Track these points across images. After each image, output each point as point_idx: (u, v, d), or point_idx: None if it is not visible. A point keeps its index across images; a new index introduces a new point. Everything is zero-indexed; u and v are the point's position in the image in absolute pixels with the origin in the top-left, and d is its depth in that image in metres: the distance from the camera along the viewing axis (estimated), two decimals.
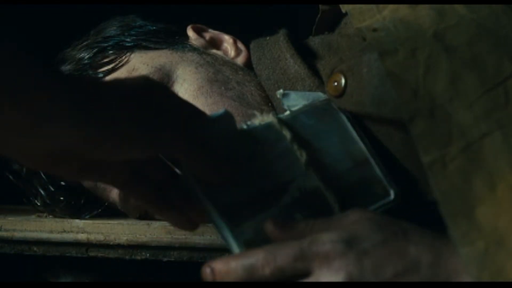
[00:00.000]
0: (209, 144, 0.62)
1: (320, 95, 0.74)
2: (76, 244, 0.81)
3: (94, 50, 0.90)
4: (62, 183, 0.88)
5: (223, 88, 0.86)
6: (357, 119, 0.76)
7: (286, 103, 0.72)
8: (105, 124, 0.55)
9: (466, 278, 0.63)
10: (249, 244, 0.63)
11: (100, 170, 0.62)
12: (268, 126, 0.69)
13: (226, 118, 0.66)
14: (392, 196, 0.70)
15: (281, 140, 0.68)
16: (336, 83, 0.77)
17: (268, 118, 0.69)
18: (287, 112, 0.71)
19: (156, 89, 0.60)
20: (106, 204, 0.88)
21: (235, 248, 0.63)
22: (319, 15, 0.93)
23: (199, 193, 0.63)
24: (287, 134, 0.68)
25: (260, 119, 0.69)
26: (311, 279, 0.64)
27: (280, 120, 0.69)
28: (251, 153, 0.67)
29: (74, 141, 0.55)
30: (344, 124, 0.71)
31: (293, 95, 0.73)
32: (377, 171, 0.70)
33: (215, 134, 0.64)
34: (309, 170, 0.67)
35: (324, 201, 0.67)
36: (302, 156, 0.68)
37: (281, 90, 0.74)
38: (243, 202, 0.65)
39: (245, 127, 0.68)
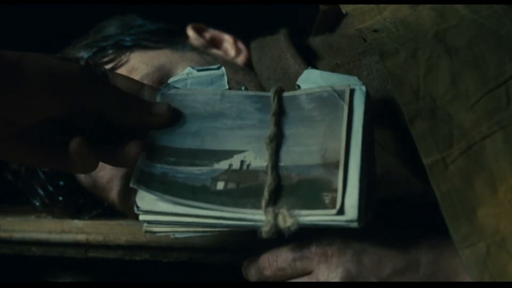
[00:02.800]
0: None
1: (350, 80, 0.67)
2: (75, 244, 0.81)
3: (94, 50, 0.89)
4: (61, 183, 0.88)
5: None
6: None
7: (301, 79, 0.69)
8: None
9: (466, 278, 0.63)
10: (144, 179, 0.63)
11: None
12: (262, 97, 0.68)
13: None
14: (334, 211, 0.59)
15: (265, 111, 0.67)
16: None
17: (271, 91, 0.68)
18: (291, 92, 0.68)
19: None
20: (105, 204, 0.88)
21: (132, 181, 0.64)
22: (319, 15, 0.93)
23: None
24: (274, 106, 0.66)
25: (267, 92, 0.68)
26: (311, 277, 0.65)
27: (279, 94, 0.67)
28: (217, 113, 0.67)
29: None
30: (340, 119, 0.64)
31: (316, 73, 0.69)
32: (339, 180, 0.61)
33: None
34: (268, 146, 0.64)
35: (258, 183, 0.62)
36: (271, 130, 0.65)
37: (309, 67, 0.70)
38: (177, 149, 0.65)
39: (241, 89, 0.69)
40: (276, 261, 0.66)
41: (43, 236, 0.81)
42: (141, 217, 0.64)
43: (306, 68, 0.82)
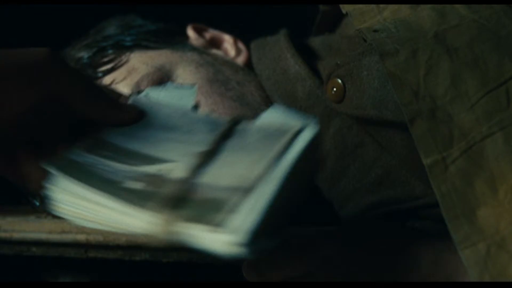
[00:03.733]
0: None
1: (307, 121, 0.66)
2: (75, 245, 0.81)
3: (94, 50, 0.90)
4: None
5: (223, 88, 0.86)
6: (360, 123, 0.75)
7: (263, 114, 0.68)
8: None
9: (466, 278, 0.64)
10: (59, 162, 0.63)
11: None
12: (220, 123, 0.68)
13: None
14: (219, 231, 0.56)
15: (215, 134, 0.66)
16: (334, 89, 0.77)
17: (228, 119, 0.68)
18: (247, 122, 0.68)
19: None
20: None
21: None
22: (319, 15, 0.93)
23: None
24: (221, 129, 0.66)
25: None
26: (311, 278, 0.65)
27: (234, 121, 0.67)
28: (172, 126, 0.67)
29: None
30: (272, 151, 0.62)
31: (279, 111, 0.68)
32: (241, 204, 0.58)
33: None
34: (193, 159, 0.63)
35: (166, 191, 0.60)
36: (206, 147, 0.64)
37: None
38: (118, 146, 0.65)
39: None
40: (276, 261, 0.66)
41: (43, 236, 0.81)
42: (47, 191, 0.62)
43: (306, 68, 0.83)
